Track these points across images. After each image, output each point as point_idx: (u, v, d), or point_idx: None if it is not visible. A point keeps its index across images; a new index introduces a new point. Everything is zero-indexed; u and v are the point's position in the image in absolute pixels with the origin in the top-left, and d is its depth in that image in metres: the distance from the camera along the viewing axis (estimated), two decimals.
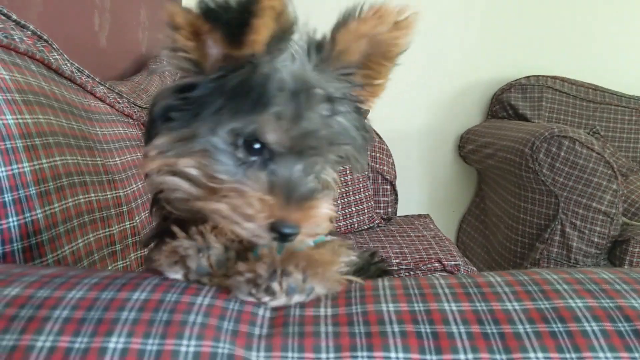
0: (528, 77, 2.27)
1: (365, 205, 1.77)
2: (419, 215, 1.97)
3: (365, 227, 1.77)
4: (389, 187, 1.88)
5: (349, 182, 1.73)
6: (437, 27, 2.27)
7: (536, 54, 2.33)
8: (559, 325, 0.33)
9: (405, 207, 2.15)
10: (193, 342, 0.32)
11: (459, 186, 2.45)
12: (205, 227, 0.46)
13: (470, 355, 0.32)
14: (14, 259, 0.53)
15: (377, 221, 1.80)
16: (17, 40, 0.64)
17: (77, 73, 0.82)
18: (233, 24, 0.43)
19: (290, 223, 0.45)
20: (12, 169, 0.53)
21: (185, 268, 0.42)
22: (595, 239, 1.78)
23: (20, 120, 0.56)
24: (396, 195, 1.90)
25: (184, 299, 0.36)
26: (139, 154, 0.93)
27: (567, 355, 0.31)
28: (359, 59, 0.51)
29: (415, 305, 0.36)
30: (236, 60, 0.46)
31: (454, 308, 0.35)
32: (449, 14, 2.27)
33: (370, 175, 1.83)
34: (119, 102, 0.95)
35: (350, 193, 1.74)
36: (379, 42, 0.50)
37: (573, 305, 0.35)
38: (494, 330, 0.33)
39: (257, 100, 0.45)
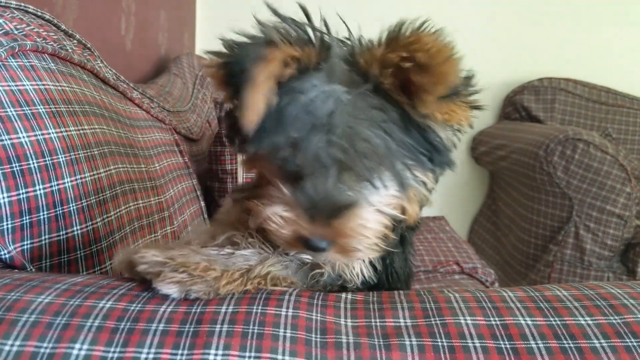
0: (541, 79, 2.28)
1: None
2: (434, 217, 1.98)
3: None
4: None
5: None
6: (449, 29, 2.27)
7: (549, 56, 2.34)
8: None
9: None
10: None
11: (471, 187, 2.47)
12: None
13: None
14: (77, 266, 0.54)
15: None
16: (70, 50, 0.65)
17: (117, 80, 0.83)
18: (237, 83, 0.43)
19: (315, 239, 0.45)
20: (76, 179, 0.55)
21: (187, 290, 0.39)
22: (609, 242, 1.79)
23: (81, 132, 0.58)
24: None
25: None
26: (173, 159, 0.94)
27: None
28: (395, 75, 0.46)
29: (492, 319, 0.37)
30: None
31: (530, 322, 0.36)
32: (462, 16, 2.28)
33: None
34: (152, 108, 0.96)
35: None
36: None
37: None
38: (571, 345, 0.35)
39: (275, 127, 0.44)
